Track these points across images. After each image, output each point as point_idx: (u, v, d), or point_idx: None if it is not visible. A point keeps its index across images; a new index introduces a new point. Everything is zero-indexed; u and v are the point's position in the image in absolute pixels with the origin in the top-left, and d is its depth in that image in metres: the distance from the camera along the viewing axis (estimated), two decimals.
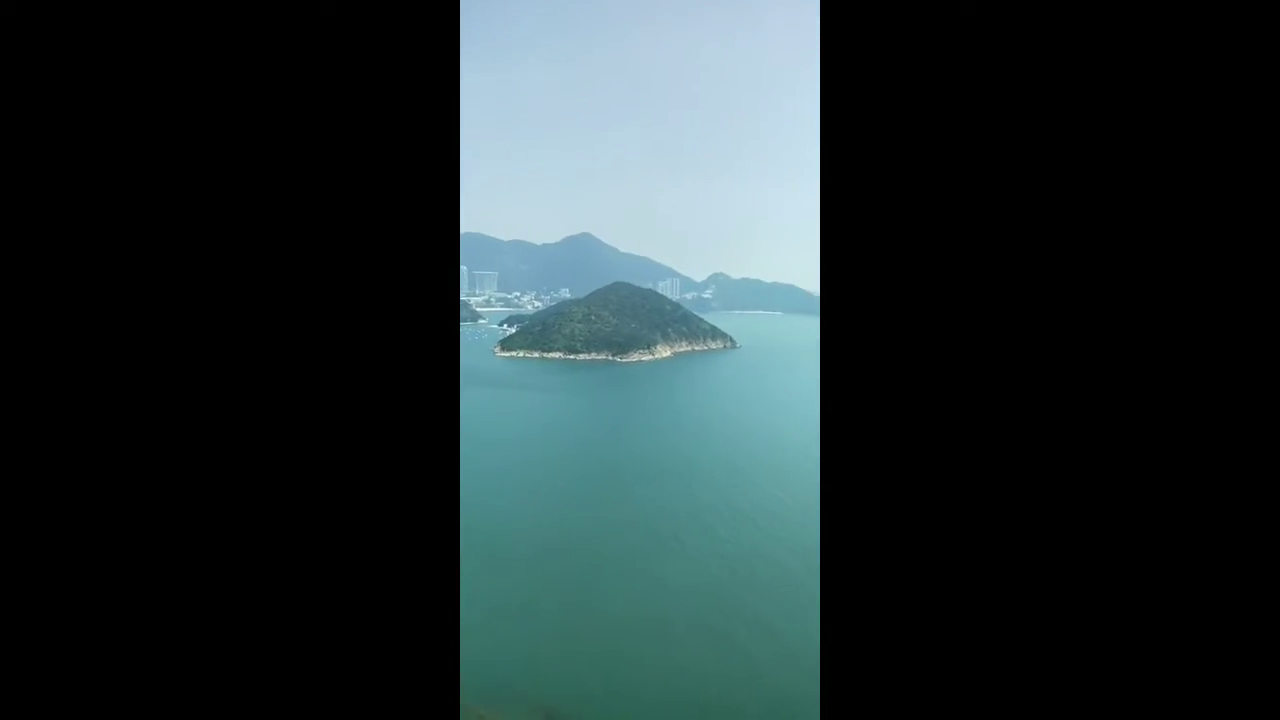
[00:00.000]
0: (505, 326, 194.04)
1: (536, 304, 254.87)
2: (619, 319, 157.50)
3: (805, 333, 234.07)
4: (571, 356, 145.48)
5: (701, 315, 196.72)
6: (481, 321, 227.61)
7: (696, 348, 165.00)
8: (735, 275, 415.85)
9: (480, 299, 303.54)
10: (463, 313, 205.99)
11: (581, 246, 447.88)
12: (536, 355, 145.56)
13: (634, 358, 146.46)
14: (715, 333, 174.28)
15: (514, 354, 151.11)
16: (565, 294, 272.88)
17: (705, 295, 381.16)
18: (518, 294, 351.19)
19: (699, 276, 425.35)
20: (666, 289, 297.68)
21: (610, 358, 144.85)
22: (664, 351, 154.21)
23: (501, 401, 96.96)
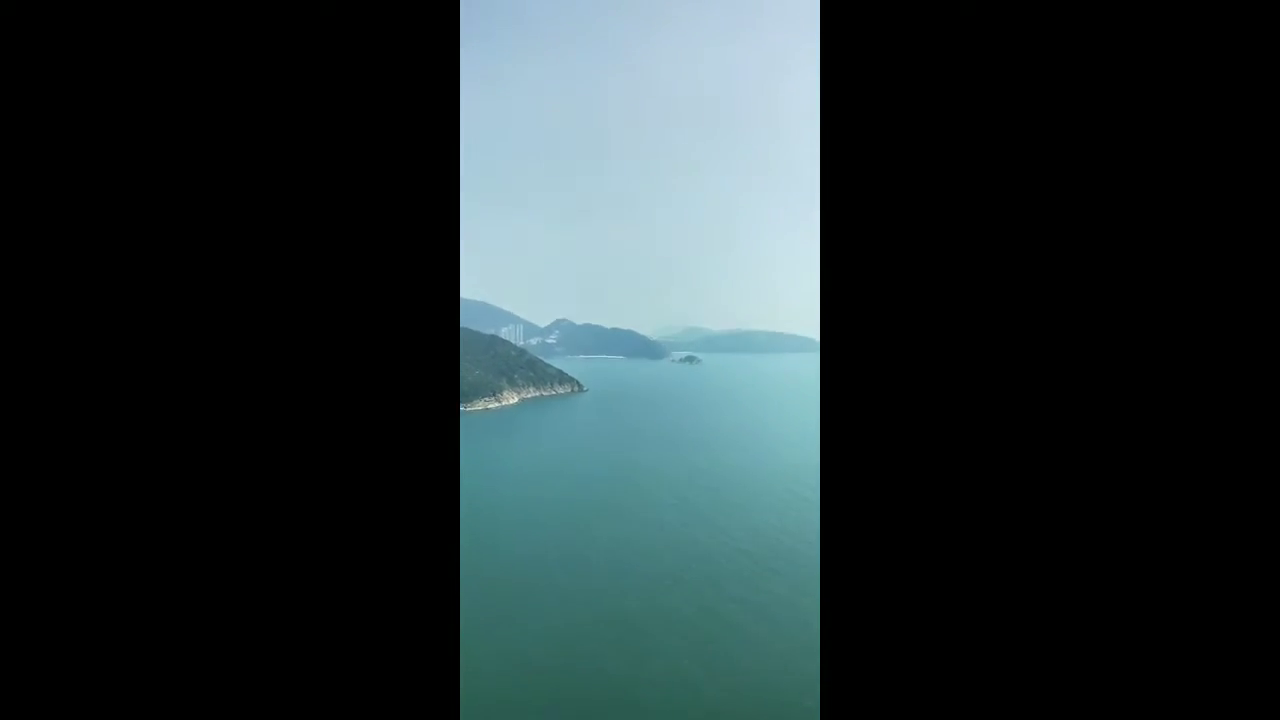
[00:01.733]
0: None
1: None
2: (461, 366, 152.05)
3: (648, 375, 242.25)
4: None
5: (547, 360, 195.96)
6: None
7: (545, 393, 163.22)
8: (578, 321, 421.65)
9: None
10: None
11: None
12: None
13: (480, 406, 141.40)
14: (563, 377, 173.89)
15: None
16: None
17: (549, 340, 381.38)
18: None
19: (542, 322, 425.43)
20: (510, 334, 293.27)
21: None
22: (511, 398, 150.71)
23: None
